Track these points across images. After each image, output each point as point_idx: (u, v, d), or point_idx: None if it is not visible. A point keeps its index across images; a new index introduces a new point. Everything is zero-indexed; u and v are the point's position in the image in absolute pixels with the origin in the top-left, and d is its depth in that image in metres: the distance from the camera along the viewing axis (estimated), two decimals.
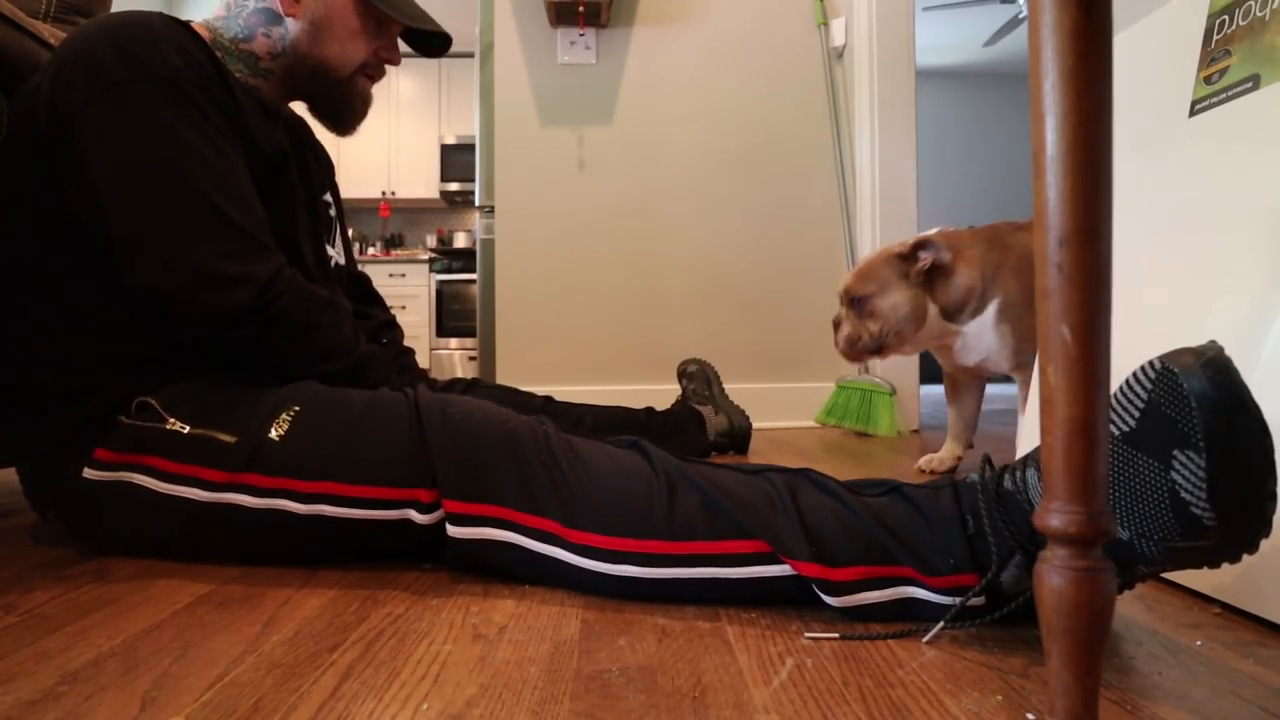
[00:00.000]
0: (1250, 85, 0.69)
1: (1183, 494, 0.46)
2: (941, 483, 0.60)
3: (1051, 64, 0.34)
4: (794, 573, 0.58)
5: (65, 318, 0.75)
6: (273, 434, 0.70)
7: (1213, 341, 0.48)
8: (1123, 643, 0.54)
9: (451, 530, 0.67)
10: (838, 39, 2.04)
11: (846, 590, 0.57)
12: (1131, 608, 0.61)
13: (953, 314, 1.11)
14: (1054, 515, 0.35)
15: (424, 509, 0.68)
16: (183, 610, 0.61)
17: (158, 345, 0.76)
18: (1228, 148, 0.71)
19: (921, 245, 1.11)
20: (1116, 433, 0.49)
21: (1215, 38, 0.75)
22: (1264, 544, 0.55)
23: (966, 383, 1.27)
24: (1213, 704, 0.44)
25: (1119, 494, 0.49)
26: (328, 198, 1.03)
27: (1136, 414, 0.48)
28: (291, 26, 0.87)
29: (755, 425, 1.60)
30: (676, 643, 0.54)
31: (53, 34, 0.90)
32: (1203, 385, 0.45)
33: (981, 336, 1.11)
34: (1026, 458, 0.56)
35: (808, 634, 0.56)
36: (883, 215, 1.97)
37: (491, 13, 1.99)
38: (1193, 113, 0.76)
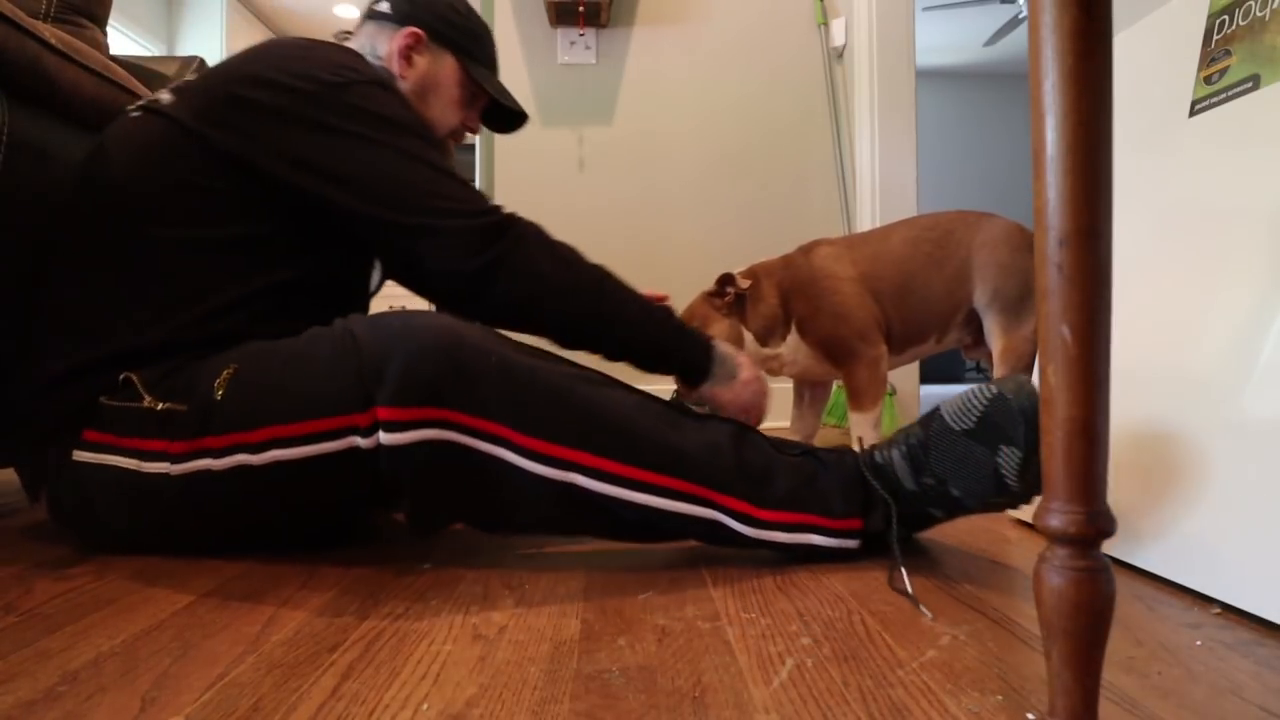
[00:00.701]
0: (1250, 85, 0.69)
1: (1002, 471, 0.68)
2: (844, 449, 0.78)
3: (1051, 64, 0.34)
4: (715, 517, 0.71)
5: (111, 292, 0.76)
6: (216, 395, 0.72)
7: (1019, 375, 0.71)
8: (1123, 643, 0.54)
9: (385, 439, 0.67)
10: (838, 39, 2.04)
11: (764, 526, 0.72)
12: (1131, 608, 0.61)
13: (764, 338, 1.23)
14: (1054, 515, 0.35)
15: (365, 432, 0.69)
16: (183, 610, 0.61)
17: (179, 326, 0.77)
18: (1228, 148, 0.71)
19: (724, 280, 1.23)
20: (958, 429, 0.70)
21: (1215, 38, 0.75)
22: (1263, 544, 0.57)
23: (809, 387, 1.37)
24: (1213, 704, 0.44)
25: (958, 469, 0.70)
26: None
27: (975, 419, 0.70)
28: (403, 86, 0.94)
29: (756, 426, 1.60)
30: (676, 643, 0.54)
31: (53, 34, 0.90)
32: (1023, 405, 0.67)
33: (796, 353, 1.23)
34: (892, 439, 0.75)
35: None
36: (883, 216, 1.97)
37: (491, 13, 1.99)
38: (1193, 113, 0.76)
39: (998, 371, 1.16)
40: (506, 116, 1.06)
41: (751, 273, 1.25)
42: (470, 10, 1.01)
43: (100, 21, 1.18)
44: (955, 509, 0.72)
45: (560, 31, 1.98)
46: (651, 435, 0.71)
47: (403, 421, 0.67)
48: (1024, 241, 1.20)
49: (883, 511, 0.73)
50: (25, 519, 0.96)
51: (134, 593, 0.65)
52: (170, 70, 1.33)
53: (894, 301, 1.20)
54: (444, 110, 0.98)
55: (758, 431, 0.76)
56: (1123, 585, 0.66)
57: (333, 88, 0.78)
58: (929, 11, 4.55)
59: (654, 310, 0.86)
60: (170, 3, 4.41)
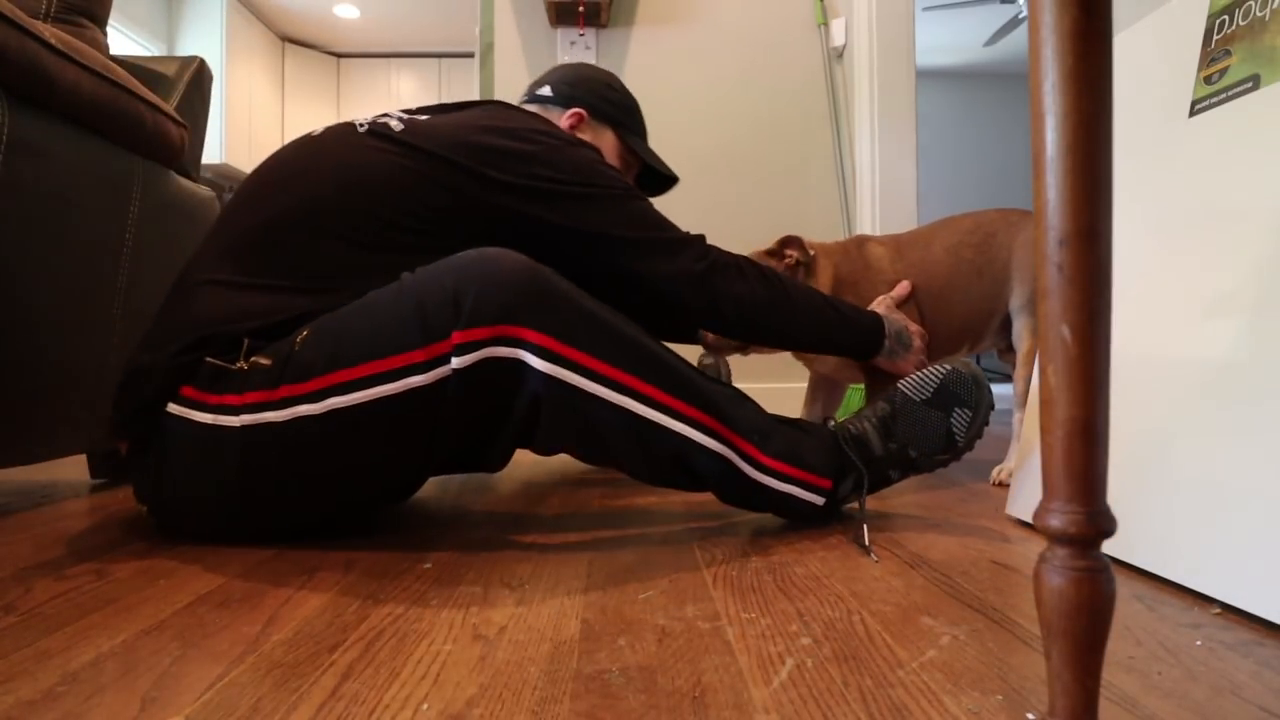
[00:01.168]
0: (1250, 85, 0.69)
1: (954, 431, 0.87)
2: (819, 423, 0.91)
3: (1051, 64, 0.34)
4: (729, 455, 0.81)
5: (265, 279, 0.81)
6: (296, 348, 0.76)
7: (967, 360, 0.93)
8: (1123, 643, 0.54)
9: (456, 363, 0.72)
10: (838, 39, 2.04)
11: (764, 471, 0.82)
12: (1131, 608, 0.61)
13: None
14: (1054, 515, 0.35)
15: (423, 368, 0.73)
16: (183, 610, 0.61)
17: (310, 310, 0.80)
18: (1228, 148, 0.71)
19: (788, 243, 1.19)
20: (918, 399, 0.87)
21: (1215, 38, 0.75)
22: (1264, 544, 0.58)
23: (825, 385, 1.33)
24: (1213, 704, 0.45)
25: (918, 433, 0.87)
26: None
27: (932, 390, 0.88)
28: None
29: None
30: (676, 643, 0.54)
31: (53, 34, 0.90)
32: (975, 376, 0.87)
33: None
34: (861, 414, 0.89)
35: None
36: (883, 215, 1.97)
37: (491, 13, 1.99)
38: (1193, 113, 0.76)
39: (1020, 373, 1.13)
40: (658, 180, 1.21)
41: (811, 246, 1.22)
42: (622, 86, 1.14)
43: (100, 21, 1.18)
44: (909, 469, 0.89)
45: (560, 31, 1.98)
46: (688, 376, 0.81)
47: (477, 341, 0.73)
48: None
49: (854, 479, 0.87)
50: (25, 519, 0.96)
51: (134, 593, 0.66)
52: (170, 70, 1.33)
53: (934, 312, 1.16)
54: None
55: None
56: (1123, 585, 0.67)
57: (569, 144, 0.91)
58: (929, 11, 4.56)
59: (829, 300, 1.00)
60: (170, 3, 4.41)
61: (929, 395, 0.87)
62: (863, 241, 1.23)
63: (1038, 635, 0.55)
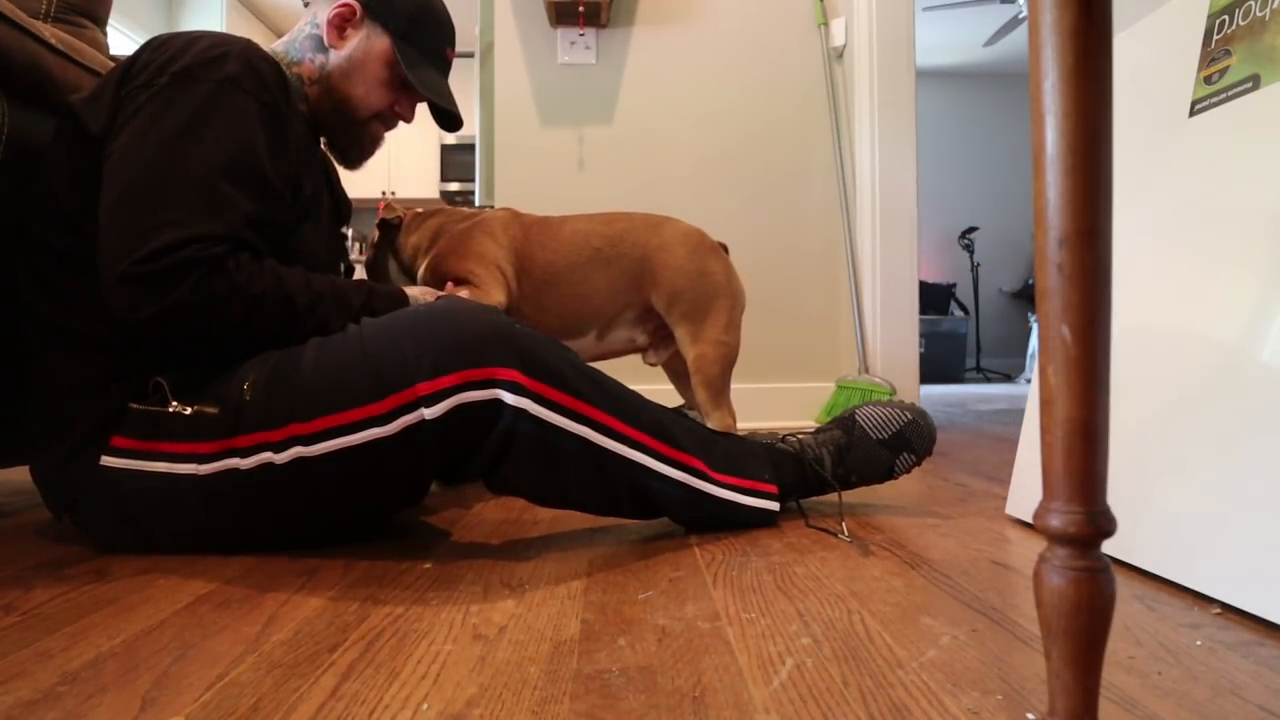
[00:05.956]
0: (1250, 85, 0.69)
1: (895, 468, 0.93)
2: (755, 439, 0.95)
3: (1051, 64, 0.34)
4: (684, 478, 0.82)
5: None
6: (246, 396, 0.74)
7: (916, 405, 0.97)
8: (1123, 643, 0.54)
9: (427, 413, 0.71)
10: (838, 39, 2.04)
11: (716, 485, 0.84)
12: (1131, 608, 0.61)
13: (409, 270, 1.21)
14: (1054, 515, 0.35)
15: (382, 420, 0.71)
16: (183, 610, 0.61)
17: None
18: (1228, 148, 0.71)
19: (383, 207, 1.21)
20: (875, 438, 0.92)
21: (1215, 38, 0.75)
22: (1263, 545, 0.58)
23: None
24: (1213, 704, 0.44)
25: (865, 466, 0.92)
26: (346, 230, 1.13)
27: (891, 433, 0.92)
28: (332, 57, 0.95)
29: (756, 425, 1.60)
30: (676, 643, 0.54)
31: (53, 34, 0.90)
32: (930, 429, 0.94)
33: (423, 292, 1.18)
34: (820, 441, 0.93)
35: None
36: (883, 215, 1.97)
37: (491, 13, 1.99)
38: (1193, 113, 0.76)
39: (694, 379, 1.14)
40: (443, 111, 1.01)
41: (420, 212, 1.22)
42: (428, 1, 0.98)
43: (100, 21, 1.18)
44: (846, 488, 0.94)
45: (560, 31, 1.98)
46: (637, 403, 0.81)
47: (445, 389, 0.71)
48: (702, 244, 1.17)
49: (800, 493, 0.93)
50: (25, 519, 0.96)
51: (134, 593, 0.66)
52: None
53: (549, 288, 1.15)
54: (369, 90, 0.96)
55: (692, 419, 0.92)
56: (1123, 585, 0.67)
57: (174, 79, 0.76)
58: (929, 11, 4.55)
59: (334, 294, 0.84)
60: (170, 3, 4.41)
61: (885, 437, 0.92)
62: (504, 209, 1.23)
63: (1038, 635, 0.55)
